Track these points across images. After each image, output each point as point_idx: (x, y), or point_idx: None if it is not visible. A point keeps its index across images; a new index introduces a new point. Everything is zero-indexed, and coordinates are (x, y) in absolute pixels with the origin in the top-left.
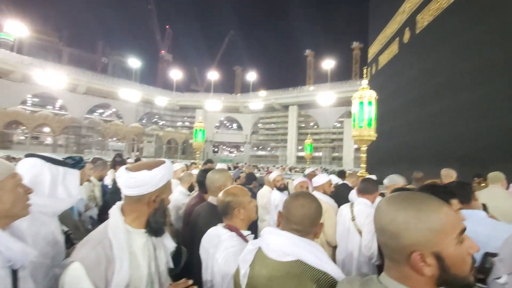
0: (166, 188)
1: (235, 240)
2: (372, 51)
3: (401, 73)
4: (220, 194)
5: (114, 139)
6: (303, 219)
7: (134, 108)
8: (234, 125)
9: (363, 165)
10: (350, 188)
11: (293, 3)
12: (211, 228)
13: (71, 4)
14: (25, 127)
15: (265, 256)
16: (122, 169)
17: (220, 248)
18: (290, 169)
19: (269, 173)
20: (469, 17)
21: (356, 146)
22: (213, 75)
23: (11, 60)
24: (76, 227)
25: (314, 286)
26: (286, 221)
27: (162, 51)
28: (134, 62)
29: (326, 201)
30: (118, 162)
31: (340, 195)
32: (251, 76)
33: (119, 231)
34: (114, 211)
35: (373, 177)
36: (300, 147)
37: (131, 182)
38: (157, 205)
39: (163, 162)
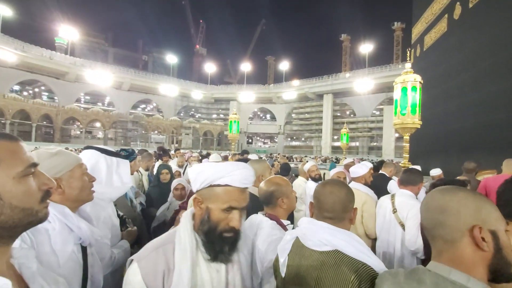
0: (212, 195)
1: (276, 229)
2: (417, 30)
3: (451, 53)
4: (263, 184)
5: (156, 132)
6: (334, 206)
7: (172, 102)
8: (268, 116)
9: (406, 155)
10: (387, 178)
11: None
12: (251, 216)
13: (114, 7)
14: (80, 123)
15: (303, 246)
16: None
17: (260, 236)
18: (325, 160)
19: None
20: None
21: (397, 135)
22: (245, 66)
23: (66, 62)
24: (129, 212)
25: (352, 276)
26: (318, 210)
27: (197, 46)
28: (171, 58)
29: (366, 192)
30: (160, 154)
31: (377, 186)
32: (284, 65)
33: (185, 236)
34: (186, 214)
35: (417, 167)
36: (335, 137)
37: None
38: (203, 214)
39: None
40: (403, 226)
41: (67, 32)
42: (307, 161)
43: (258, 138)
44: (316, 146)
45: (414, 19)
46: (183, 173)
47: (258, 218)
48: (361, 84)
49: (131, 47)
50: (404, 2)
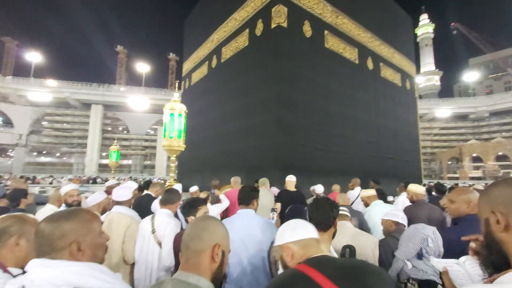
0: None
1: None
2: (186, 66)
3: (208, 93)
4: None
5: None
6: (56, 239)
7: None
8: None
9: (172, 174)
10: (153, 198)
11: None
12: None
13: None
14: None
15: None
16: None
17: None
18: (88, 181)
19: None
20: (254, 61)
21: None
22: None
23: None
24: None
25: None
26: (41, 245)
27: None
28: None
29: (131, 215)
30: None
31: (142, 207)
32: (34, 56)
33: None
34: None
35: (178, 185)
36: (104, 154)
37: None
38: None
39: None
40: (160, 244)
41: None
42: (57, 184)
43: None
44: (78, 164)
45: (185, 56)
46: None
47: None
48: (137, 101)
49: None
50: (178, 38)
